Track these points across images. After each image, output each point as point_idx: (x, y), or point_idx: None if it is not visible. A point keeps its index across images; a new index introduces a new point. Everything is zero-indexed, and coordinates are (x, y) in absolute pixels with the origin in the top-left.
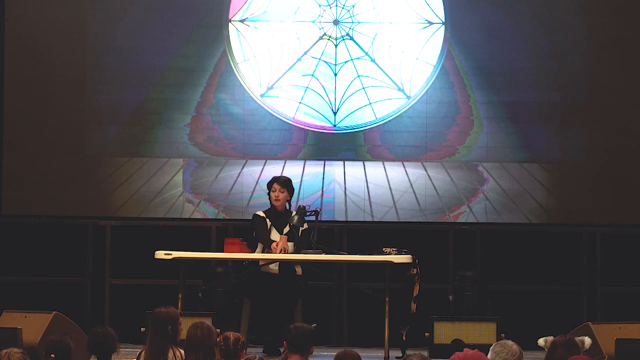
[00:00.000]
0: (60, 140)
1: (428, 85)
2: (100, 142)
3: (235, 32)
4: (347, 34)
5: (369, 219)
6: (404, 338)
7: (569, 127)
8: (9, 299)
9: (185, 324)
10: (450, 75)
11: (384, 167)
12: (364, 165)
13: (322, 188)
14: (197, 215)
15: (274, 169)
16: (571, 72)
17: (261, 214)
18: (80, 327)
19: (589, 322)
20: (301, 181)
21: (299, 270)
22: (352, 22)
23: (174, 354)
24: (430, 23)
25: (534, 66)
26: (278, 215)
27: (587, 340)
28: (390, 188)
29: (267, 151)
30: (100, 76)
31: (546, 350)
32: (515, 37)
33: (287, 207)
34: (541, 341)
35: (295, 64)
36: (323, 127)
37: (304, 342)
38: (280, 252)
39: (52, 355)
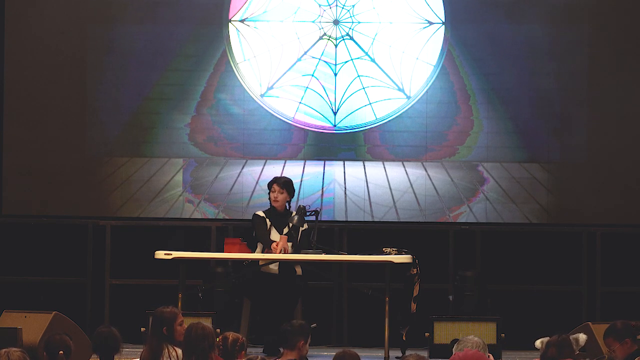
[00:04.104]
0: (60, 140)
1: (428, 85)
2: (100, 142)
3: (235, 32)
4: (347, 34)
5: (369, 219)
6: (404, 338)
7: (569, 127)
8: (9, 299)
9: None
10: (450, 75)
11: (384, 167)
12: (364, 165)
13: (322, 188)
14: (197, 215)
15: (274, 169)
16: (571, 72)
17: (261, 213)
18: (80, 327)
19: (589, 322)
20: (301, 181)
21: (298, 270)
22: (352, 22)
23: (169, 353)
24: (430, 23)
25: (533, 66)
26: (278, 216)
27: (582, 337)
28: (390, 188)
29: (267, 151)
30: (100, 76)
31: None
32: (515, 37)
33: (287, 208)
34: (538, 343)
35: (295, 64)
36: (323, 127)
37: (290, 337)
38: (280, 252)
39: (61, 353)
